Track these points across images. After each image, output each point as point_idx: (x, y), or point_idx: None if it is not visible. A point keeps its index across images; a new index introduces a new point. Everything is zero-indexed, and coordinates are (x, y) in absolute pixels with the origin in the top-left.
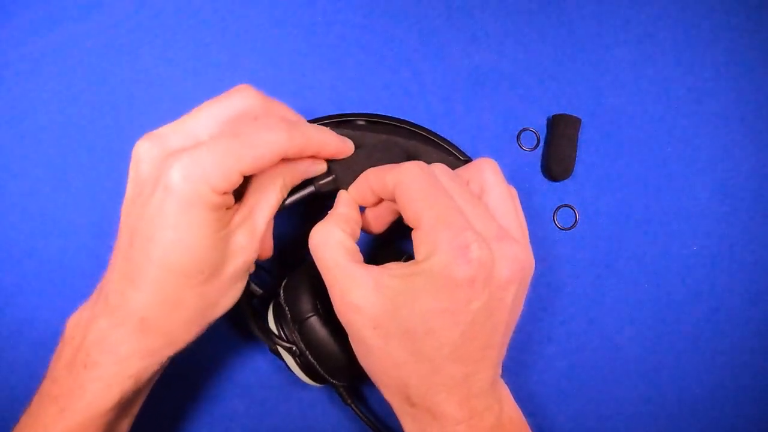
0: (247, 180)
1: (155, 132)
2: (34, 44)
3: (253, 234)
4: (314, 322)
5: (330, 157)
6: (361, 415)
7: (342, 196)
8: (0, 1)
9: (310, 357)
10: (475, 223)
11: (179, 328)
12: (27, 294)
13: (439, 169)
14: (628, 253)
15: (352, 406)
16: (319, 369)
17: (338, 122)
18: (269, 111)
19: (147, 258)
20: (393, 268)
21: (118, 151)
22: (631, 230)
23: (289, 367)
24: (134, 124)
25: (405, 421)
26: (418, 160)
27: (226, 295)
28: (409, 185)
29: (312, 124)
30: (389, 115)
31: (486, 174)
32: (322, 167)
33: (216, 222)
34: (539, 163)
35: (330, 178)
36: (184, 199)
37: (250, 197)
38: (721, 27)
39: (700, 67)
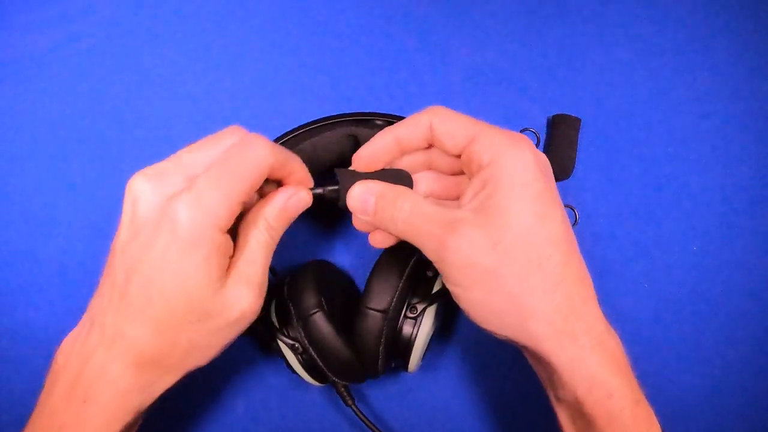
0: (235, 228)
1: (151, 170)
2: (35, 44)
3: (250, 283)
4: (319, 318)
5: (299, 184)
6: (361, 416)
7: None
8: (0, 2)
9: (314, 354)
10: None
11: (176, 362)
12: (26, 295)
13: None
14: (628, 254)
15: (353, 407)
16: (323, 366)
17: (357, 121)
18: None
19: (147, 299)
20: (466, 206)
21: (119, 152)
22: (631, 230)
23: (290, 366)
24: (134, 125)
25: (557, 352)
26: None
27: (225, 337)
28: (447, 114)
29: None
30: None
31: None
32: (308, 201)
33: (217, 268)
34: None
35: (335, 187)
36: (189, 241)
37: (241, 247)
38: (721, 27)
39: (699, 66)
